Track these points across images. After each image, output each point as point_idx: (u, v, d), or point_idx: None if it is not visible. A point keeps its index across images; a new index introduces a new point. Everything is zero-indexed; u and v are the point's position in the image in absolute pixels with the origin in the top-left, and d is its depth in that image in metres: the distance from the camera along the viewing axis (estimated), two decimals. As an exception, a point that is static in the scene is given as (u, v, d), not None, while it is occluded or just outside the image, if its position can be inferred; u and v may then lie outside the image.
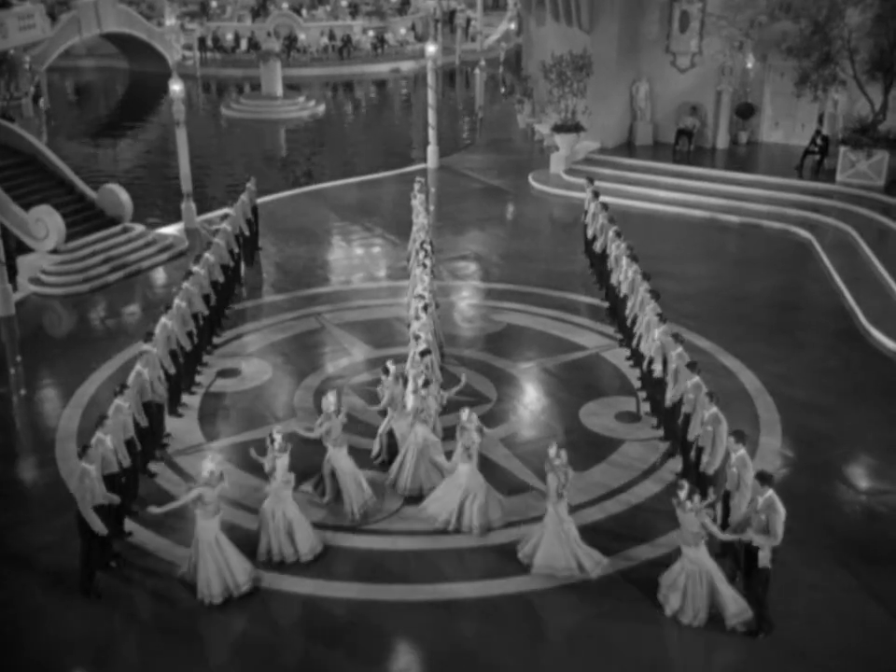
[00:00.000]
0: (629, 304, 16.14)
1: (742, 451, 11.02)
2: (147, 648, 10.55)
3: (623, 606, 10.96)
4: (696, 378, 12.65)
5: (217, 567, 10.98)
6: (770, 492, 10.12)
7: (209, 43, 51.02)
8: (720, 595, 10.46)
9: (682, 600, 10.55)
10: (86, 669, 10.35)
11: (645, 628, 10.65)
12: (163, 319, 14.90)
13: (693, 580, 10.48)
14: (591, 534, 11.95)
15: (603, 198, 20.33)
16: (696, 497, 10.51)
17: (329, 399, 12.60)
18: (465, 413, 12.42)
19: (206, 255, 17.61)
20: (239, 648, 10.48)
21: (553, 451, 11.51)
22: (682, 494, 10.51)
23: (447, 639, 10.56)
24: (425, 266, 16.96)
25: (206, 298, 16.85)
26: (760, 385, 15.76)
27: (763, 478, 10.25)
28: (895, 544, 12.01)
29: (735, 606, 10.45)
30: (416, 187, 21.38)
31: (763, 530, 10.07)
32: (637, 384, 15.72)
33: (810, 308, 19.49)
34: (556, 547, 11.37)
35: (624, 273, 16.62)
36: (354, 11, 53.62)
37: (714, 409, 11.89)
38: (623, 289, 16.61)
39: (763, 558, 10.13)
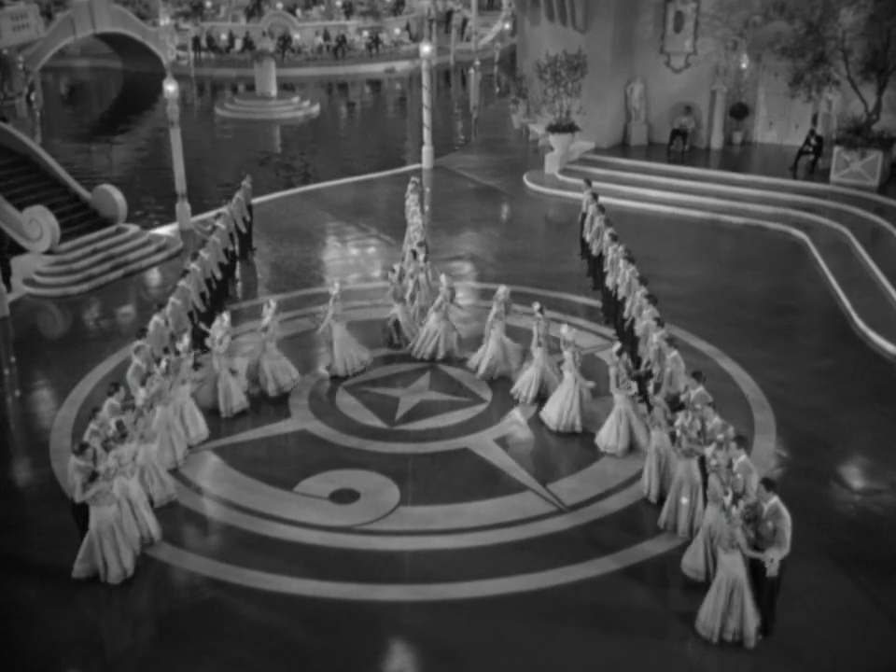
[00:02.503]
0: (626, 306, 16.15)
1: (744, 457, 10.99)
2: (142, 648, 10.55)
3: (626, 605, 10.99)
4: (700, 388, 12.51)
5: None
6: (775, 498, 10.06)
7: (203, 43, 50.98)
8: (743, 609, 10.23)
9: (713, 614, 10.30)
10: (81, 669, 10.33)
11: (643, 631, 10.68)
12: (156, 318, 14.93)
13: (720, 588, 10.24)
14: (593, 530, 12.13)
15: (599, 199, 20.32)
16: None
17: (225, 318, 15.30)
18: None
19: (202, 253, 17.64)
20: (236, 647, 10.44)
21: (709, 452, 11.12)
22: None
23: (446, 639, 10.55)
24: (421, 267, 17.05)
25: (202, 295, 16.89)
26: (755, 386, 15.78)
27: (769, 484, 10.20)
28: (890, 544, 12.05)
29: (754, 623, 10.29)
30: (410, 187, 21.37)
31: (770, 536, 10.01)
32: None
33: (805, 309, 19.51)
34: None
35: (622, 276, 16.62)
36: (348, 11, 53.61)
37: (717, 419, 11.80)
38: (621, 292, 16.60)
39: (771, 567, 10.07)
